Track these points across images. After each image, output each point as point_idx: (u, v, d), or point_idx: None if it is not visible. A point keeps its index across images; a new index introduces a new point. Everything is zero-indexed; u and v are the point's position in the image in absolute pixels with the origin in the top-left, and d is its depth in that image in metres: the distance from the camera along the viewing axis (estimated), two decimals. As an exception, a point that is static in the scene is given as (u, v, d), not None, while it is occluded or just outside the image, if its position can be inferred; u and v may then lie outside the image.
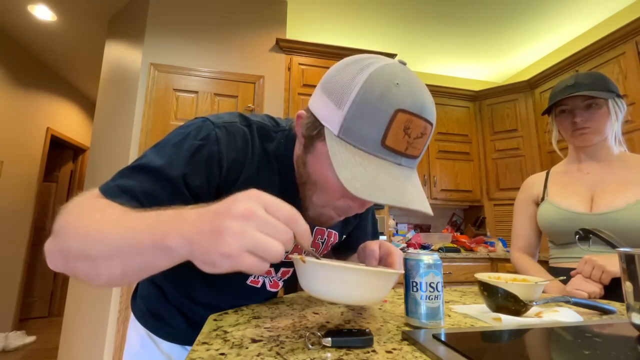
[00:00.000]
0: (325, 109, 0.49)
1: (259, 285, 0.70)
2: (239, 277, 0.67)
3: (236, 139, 0.57)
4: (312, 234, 0.66)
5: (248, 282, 0.68)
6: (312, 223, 0.57)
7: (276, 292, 0.76)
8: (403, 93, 0.45)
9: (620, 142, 1.06)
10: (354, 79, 0.46)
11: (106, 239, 0.38)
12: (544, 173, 1.19)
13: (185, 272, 0.60)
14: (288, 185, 0.61)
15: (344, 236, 0.76)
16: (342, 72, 0.49)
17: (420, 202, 0.47)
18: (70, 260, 0.41)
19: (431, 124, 0.47)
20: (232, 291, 0.69)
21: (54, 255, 0.43)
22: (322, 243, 0.71)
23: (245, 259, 0.30)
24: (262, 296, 0.72)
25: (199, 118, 0.58)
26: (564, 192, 1.08)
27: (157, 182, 0.50)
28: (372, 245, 0.59)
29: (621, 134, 1.05)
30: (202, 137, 0.54)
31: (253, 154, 0.58)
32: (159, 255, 0.35)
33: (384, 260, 0.58)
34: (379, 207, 2.42)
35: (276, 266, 0.69)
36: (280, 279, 0.72)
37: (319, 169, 0.52)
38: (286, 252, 0.36)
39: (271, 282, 0.71)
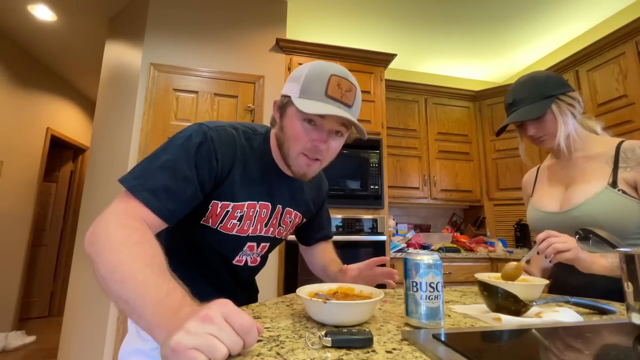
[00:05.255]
0: (289, 87, 0.73)
1: (242, 264, 0.84)
2: (227, 259, 0.82)
3: (226, 139, 0.73)
4: (282, 214, 0.84)
5: (234, 262, 0.82)
6: (296, 176, 0.77)
7: (255, 267, 0.90)
8: (333, 67, 0.71)
9: (589, 128, 1.04)
10: (304, 67, 0.72)
11: (124, 289, 0.46)
12: (535, 169, 1.20)
13: (186, 267, 0.76)
14: (271, 175, 0.80)
15: (305, 220, 0.96)
16: (298, 70, 0.74)
17: (351, 116, 0.69)
18: (95, 267, 0.50)
19: (355, 86, 0.72)
20: (222, 273, 0.83)
21: (88, 250, 0.53)
22: (290, 222, 0.89)
23: (189, 354, 0.35)
24: (245, 272, 0.87)
25: (196, 123, 0.73)
26: (543, 191, 1.09)
27: (172, 178, 0.63)
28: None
29: (577, 126, 1.01)
30: (201, 138, 0.68)
31: (241, 152, 0.75)
32: (144, 327, 0.43)
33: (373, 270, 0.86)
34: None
35: (257, 241, 0.83)
36: (259, 254, 0.87)
37: (289, 124, 0.72)
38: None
39: (252, 259, 0.86)
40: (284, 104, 0.74)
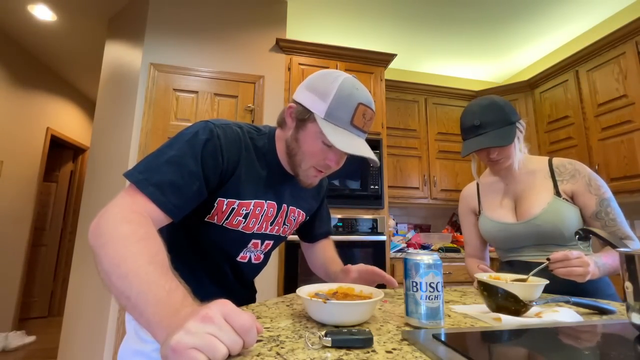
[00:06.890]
0: (312, 102, 0.73)
1: (245, 261, 0.84)
2: (231, 255, 0.82)
3: (232, 137, 0.73)
4: (287, 213, 0.86)
5: (238, 258, 0.83)
6: (302, 184, 0.79)
7: (259, 265, 0.90)
8: (361, 94, 0.73)
9: (523, 150, 1.14)
10: (332, 83, 0.72)
11: (127, 285, 0.46)
12: (474, 184, 1.26)
13: (189, 263, 0.78)
14: (274, 175, 0.81)
15: (308, 217, 0.98)
16: (322, 78, 0.75)
17: (372, 155, 0.73)
18: (98, 260, 0.50)
19: (374, 113, 0.76)
20: (226, 270, 0.83)
21: (92, 242, 0.52)
22: (294, 220, 0.90)
23: (189, 354, 0.35)
24: (248, 269, 0.88)
25: (202, 120, 0.73)
26: (493, 205, 1.17)
27: (178, 173, 0.63)
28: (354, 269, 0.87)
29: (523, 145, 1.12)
30: (207, 135, 0.69)
31: (246, 150, 0.76)
32: (144, 325, 0.43)
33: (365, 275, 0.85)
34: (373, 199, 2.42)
35: (262, 239, 0.84)
36: (263, 251, 0.88)
37: (308, 140, 0.74)
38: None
39: (255, 256, 0.86)
40: (304, 118, 0.74)
